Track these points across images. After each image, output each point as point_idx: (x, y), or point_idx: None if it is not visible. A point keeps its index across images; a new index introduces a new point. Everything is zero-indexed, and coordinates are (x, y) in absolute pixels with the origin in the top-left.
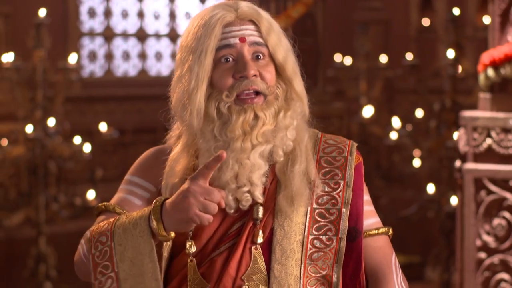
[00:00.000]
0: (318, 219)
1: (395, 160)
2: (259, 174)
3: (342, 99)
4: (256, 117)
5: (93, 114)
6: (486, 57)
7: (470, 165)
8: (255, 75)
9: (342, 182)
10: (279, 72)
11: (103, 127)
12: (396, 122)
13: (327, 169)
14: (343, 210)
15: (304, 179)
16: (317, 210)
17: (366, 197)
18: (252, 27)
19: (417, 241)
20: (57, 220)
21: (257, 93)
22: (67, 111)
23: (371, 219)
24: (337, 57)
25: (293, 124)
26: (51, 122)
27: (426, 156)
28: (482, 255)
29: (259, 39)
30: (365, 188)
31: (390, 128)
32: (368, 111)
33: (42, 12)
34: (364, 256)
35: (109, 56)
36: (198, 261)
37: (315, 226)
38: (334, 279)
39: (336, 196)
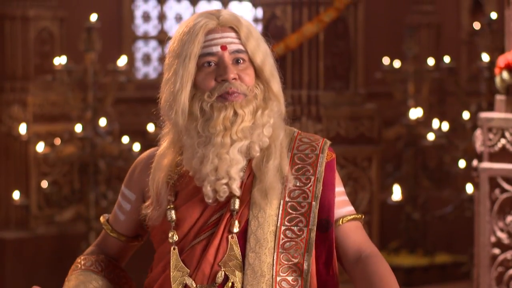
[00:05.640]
0: (290, 211)
1: (443, 161)
2: (237, 168)
3: (378, 101)
4: (235, 113)
5: (146, 115)
6: (501, 60)
7: (485, 165)
8: (234, 78)
9: (312, 178)
10: (258, 74)
11: (151, 127)
12: (436, 123)
13: (299, 166)
14: (313, 203)
15: (277, 174)
16: (289, 203)
17: (340, 188)
18: (232, 34)
19: (463, 241)
20: None
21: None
22: (121, 111)
23: (348, 207)
24: (385, 60)
25: (269, 122)
26: (102, 122)
27: (463, 156)
28: (496, 251)
29: (239, 47)
30: (338, 181)
31: (429, 129)
32: (414, 113)
33: (93, 17)
34: (348, 239)
35: (162, 59)
36: (180, 249)
37: (287, 217)
38: (305, 266)
39: (307, 190)
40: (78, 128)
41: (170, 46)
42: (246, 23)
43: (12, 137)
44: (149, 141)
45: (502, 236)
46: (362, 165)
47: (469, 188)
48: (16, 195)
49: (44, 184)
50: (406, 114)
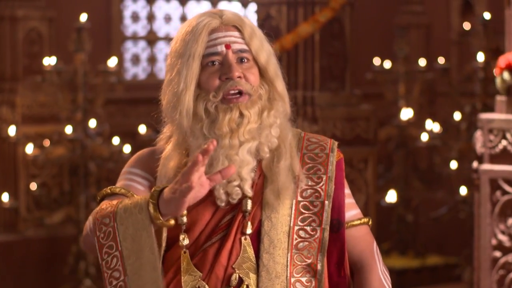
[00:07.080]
0: (303, 211)
1: (434, 162)
2: (248, 169)
3: (369, 101)
4: (241, 115)
5: (136, 116)
6: (502, 60)
7: (486, 166)
8: (239, 77)
9: (324, 177)
10: (262, 74)
11: (142, 129)
12: (429, 124)
13: (310, 165)
14: (326, 202)
15: (289, 174)
16: (301, 203)
17: (347, 190)
18: (236, 33)
19: (455, 243)
20: None
21: (241, 93)
22: (111, 113)
23: (352, 211)
24: (376, 61)
25: (276, 122)
26: (92, 123)
27: (457, 157)
28: (497, 253)
29: (243, 46)
30: (345, 182)
31: (422, 130)
32: (405, 114)
33: (83, 17)
34: (348, 246)
35: (152, 60)
36: (191, 253)
37: (300, 217)
38: (319, 267)
39: (319, 189)
40: (68, 129)
41: (172, 46)
42: (249, 23)
43: (1, 138)
44: (140, 142)
45: (503, 238)
46: (358, 166)
47: (463, 190)
48: (5, 197)
49: (33, 186)
50: (397, 115)
